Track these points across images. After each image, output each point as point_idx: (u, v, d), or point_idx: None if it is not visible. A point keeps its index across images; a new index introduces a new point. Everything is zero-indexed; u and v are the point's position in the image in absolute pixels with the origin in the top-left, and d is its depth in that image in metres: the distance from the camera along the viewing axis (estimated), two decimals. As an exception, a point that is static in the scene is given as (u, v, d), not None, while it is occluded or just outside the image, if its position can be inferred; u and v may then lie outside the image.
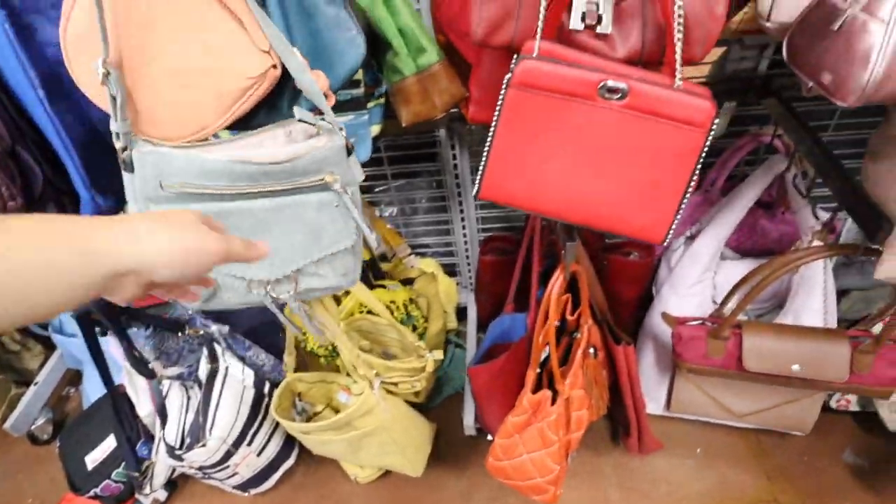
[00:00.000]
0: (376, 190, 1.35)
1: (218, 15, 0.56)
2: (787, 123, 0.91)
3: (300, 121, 0.62)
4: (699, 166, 0.60)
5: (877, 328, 0.89)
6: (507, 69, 0.59)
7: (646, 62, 0.64)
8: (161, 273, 0.39)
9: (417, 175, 1.31)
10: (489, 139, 0.63)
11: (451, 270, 1.46)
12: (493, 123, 0.62)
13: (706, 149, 0.58)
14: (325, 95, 0.62)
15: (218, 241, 0.42)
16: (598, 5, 0.61)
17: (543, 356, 0.94)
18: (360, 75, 0.80)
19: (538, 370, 0.94)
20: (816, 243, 0.87)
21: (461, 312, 1.45)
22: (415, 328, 1.20)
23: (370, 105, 0.81)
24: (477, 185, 0.66)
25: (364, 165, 0.69)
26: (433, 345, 1.22)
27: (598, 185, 0.63)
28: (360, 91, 0.80)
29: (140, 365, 1.05)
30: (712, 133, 0.55)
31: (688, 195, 0.62)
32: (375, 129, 0.81)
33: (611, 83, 0.54)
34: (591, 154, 0.61)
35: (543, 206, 0.65)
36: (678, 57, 0.55)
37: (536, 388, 0.92)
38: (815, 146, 0.83)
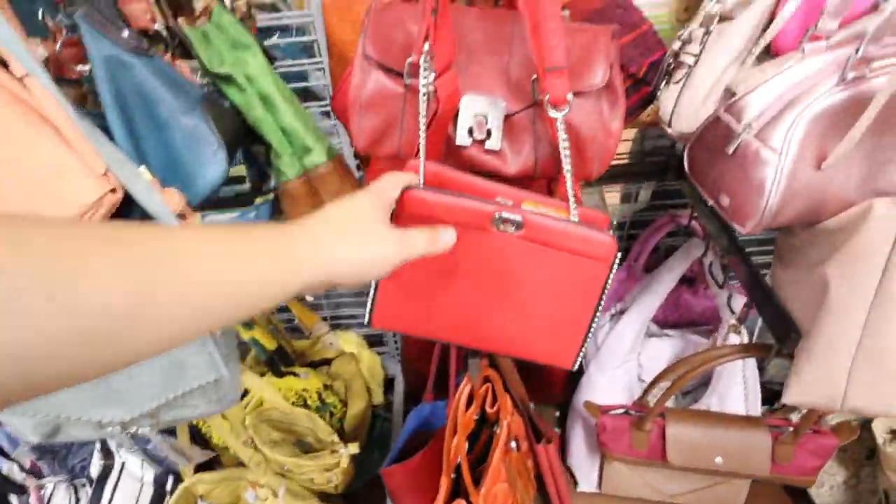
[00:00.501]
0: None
1: (39, 136, 0.48)
2: (701, 208, 0.89)
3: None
4: (605, 295, 0.55)
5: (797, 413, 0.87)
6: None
7: (541, 177, 0.59)
8: (344, 282, 0.39)
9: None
10: None
11: (378, 340, 1.39)
12: None
13: (611, 279, 0.54)
14: (183, 215, 0.54)
15: (399, 246, 0.41)
16: (486, 118, 0.56)
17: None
18: (243, 171, 0.73)
19: (453, 475, 0.87)
20: (732, 337, 0.85)
21: (392, 383, 1.37)
22: (332, 414, 1.11)
23: (258, 201, 0.74)
24: (367, 315, 0.58)
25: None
26: (354, 426, 1.14)
27: (500, 314, 0.57)
28: (246, 187, 0.73)
29: (7, 484, 0.92)
30: (615, 267, 0.51)
31: (595, 322, 0.58)
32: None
33: (504, 215, 0.49)
34: (491, 283, 0.55)
35: (444, 335, 0.59)
36: (569, 185, 0.50)
37: (452, 496, 0.85)
38: (724, 235, 0.81)
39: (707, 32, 0.60)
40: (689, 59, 0.61)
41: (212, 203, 0.75)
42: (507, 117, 0.56)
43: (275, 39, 0.91)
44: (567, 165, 0.49)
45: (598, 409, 0.95)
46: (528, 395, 0.94)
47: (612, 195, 1.25)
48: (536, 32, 0.50)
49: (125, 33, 0.52)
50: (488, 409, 0.91)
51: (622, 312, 1.06)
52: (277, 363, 1.04)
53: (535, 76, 0.54)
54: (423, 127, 0.50)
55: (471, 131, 0.55)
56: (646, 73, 0.67)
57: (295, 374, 1.06)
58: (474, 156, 0.57)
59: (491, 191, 0.52)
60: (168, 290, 0.28)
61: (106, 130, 0.52)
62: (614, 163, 1.08)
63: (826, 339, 0.57)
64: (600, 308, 0.56)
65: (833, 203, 0.56)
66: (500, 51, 0.55)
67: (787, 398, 0.61)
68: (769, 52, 0.58)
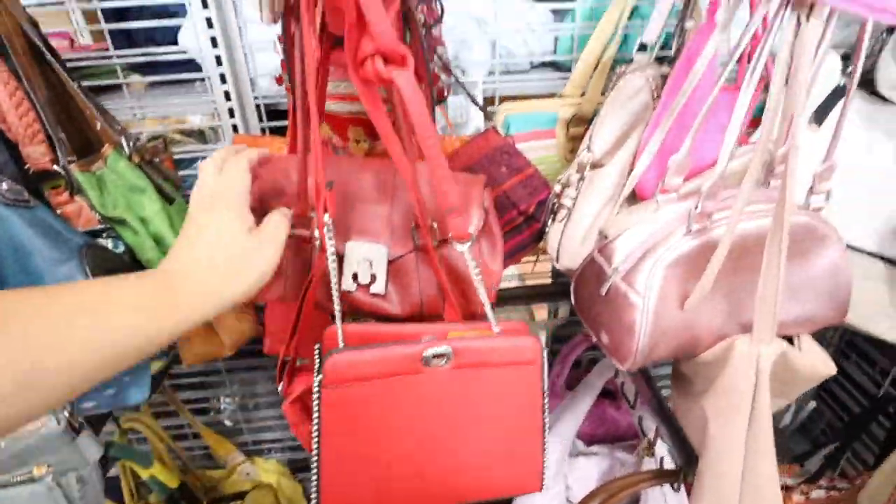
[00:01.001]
0: (210, 382, 1.21)
1: None
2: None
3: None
4: (546, 401, 0.56)
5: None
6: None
7: (428, 317, 0.60)
8: (239, 300, 0.43)
9: (258, 368, 1.19)
10: (314, 452, 0.51)
11: (303, 466, 1.31)
12: (315, 434, 0.50)
13: (546, 381, 0.55)
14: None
15: (275, 254, 0.45)
16: (371, 263, 0.57)
17: None
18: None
19: None
20: (646, 460, 0.85)
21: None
22: (242, 558, 1.01)
23: (154, 337, 0.71)
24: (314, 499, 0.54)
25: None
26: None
27: (453, 458, 0.54)
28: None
29: None
30: (545, 367, 0.53)
31: (547, 433, 0.57)
32: (157, 365, 0.71)
33: (433, 350, 0.49)
34: (435, 427, 0.53)
35: (400, 502, 0.56)
36: (487, 307, 0.51)
37: None
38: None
39: (581, 178, 0.66)
40: (568, 202, 0.66)
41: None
42: (391, 262, 0.57)
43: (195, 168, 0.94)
44: (481, 289, 0.51)
45: (524, 544, 0.91)
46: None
47: (542, 310, 1.28)
48: (415, 185, 0.53)
49: (3, 186, 0.52)
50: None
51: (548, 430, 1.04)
52: (180, 502, 0.95)
53: (414, 224, 0.56)
54: (335, 289, 0.50)
55: (355, 276, 0.56)
56: (535, 210, 0.71)
57: (200, 516, 0.97)
58: (360, 299, 0.57)
59: (415, 333, 0.52)
60: (55, 359, 0.32)
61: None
62: (537, 282, 1.12)
63: (713, 473, 0.57)
64: (546, 415, 0.56)
65: (706, 338, 0.58)
66: (382, 199, 0.57)
67: (688, 533, 0.60)
68: (636, 197, 0.63)
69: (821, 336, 1.25)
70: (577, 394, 1.02)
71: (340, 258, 0.57)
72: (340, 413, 0.50)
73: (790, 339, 0.61)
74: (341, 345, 0.50)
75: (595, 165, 0.65)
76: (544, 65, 0.95)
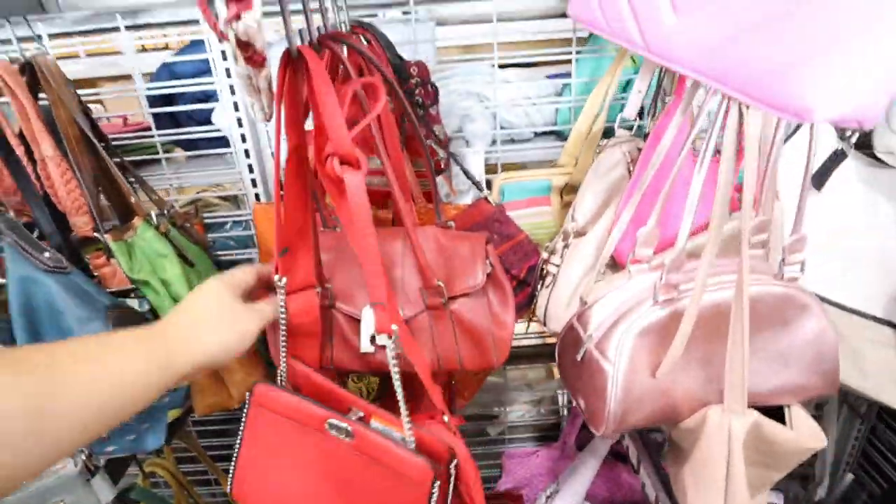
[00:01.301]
0: (231, 430, 1.26)
1: None
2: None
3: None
4: None
5: None
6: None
7: (445, 372, 0.64)
8: (217, 360, 0.48)
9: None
10: (238, 443, 0.59)
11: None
12: (240, 431, 0.59)
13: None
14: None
15: (253, 316, 0.51)
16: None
17: None
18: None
19: None
20: (650, 530, 0.82)
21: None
22: None
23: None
24: (229, 484, 0.60)
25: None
26: None
27: None
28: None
29: None
30: (434, 494, 0.50)
31: None
32: (173, 414, 0.77)
33: (335, 422, 0.53)
34: (329, 481, 0.56)
35: None
36: (403, 413, 0.53)
37: None
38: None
39: (566, 246, 0.69)
40: (553, 269, 0.69)
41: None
42: (406, 322, 0.61)
43: (226, 230, 1.03)
44: (400, 392, 0.53)
45: None
46: None
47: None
48: (420, 249, 0.59)
49: (45, 255, 0.61)
50: None
51: (555, 495, 1.03)
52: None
53: (420, 286, 0.61)
54: (282, 340, 0.56)
55: (373, 339, 0.60)
56: (526, 275, 0.75)
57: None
58: (380, 359, 0.62)
59: (347, 400, 0.56)
60: (62, 403, 0.36)
61: (8, 334, 0.59)
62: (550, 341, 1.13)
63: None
64: None
65: (685, 405, 0.59)
66: (393, 264, 0.62)
67: None
68: (616, 265, 0.66)
69: (856, 403, 1.19)
70: (581, 457, 1.01)
71: (357, 322, 0.61)
72: (258, 429, 0.57)
73: (780, 409, 0.60)
74: (280, 379, 0.58)
75: (578, 234, 0.68)
76: (547, 133, 1.00)
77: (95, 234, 0.74)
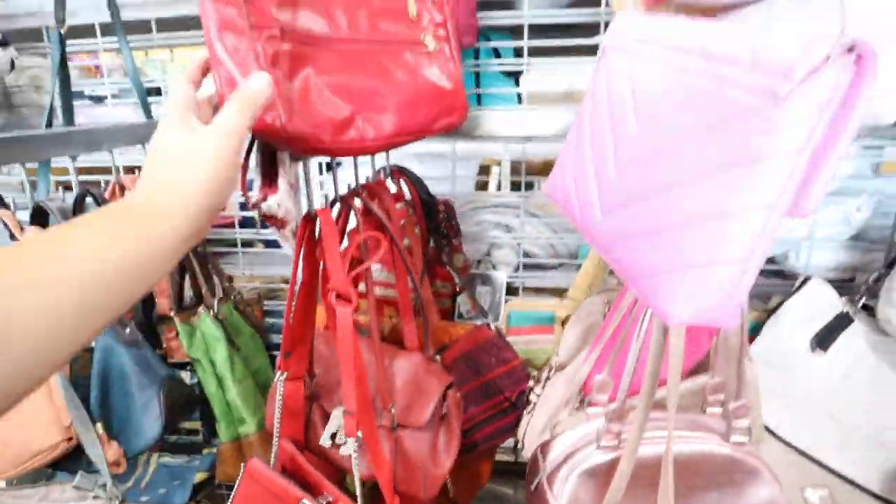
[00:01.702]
0: None
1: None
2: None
3: (75, 487, 0.71)
4: None
5: None
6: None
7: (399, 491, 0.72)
8: (217, 199, 0.39)
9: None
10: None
11: None
12: (232, 496, 0.68)
13: None
14: (117, 463, 0.72)
15: (225, 136, 0.39)
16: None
17: None
18: (198, 426, 0.92)
19: None
20: None
21: None
22: None
23: (205, 451, 0.91)
24: None
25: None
26: None
27: None
28: (199, 438, 0.91)
29: None
30: None
31: None
32: (200, 476, 0.89)
33: (306, 502, 0.62)
34: None
35: None
36: None
37: None
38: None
39: (548, 378, 0.76)
40: (534, 398, 0.76)
41: (169, 446, 0.93)
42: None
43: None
44: (359, 489, 0.62)
45: None
46: None
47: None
48: (384, 372, 0.69)
49: (127, 330, 0.78)
50: None
51: None
52: None
53: (381, 404, 0.71)
54: (276, 422, 0.67)
55: (333, 436, 0.71)
56: (517, 399, 0.82)
57: None
58: (333, 456, 0.71)
59: (322, 486, 0.65)
60: (30, 301, 0.28)
61: (87, 389, 0.75)
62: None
63: None
64: None
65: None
66: (372, 377, 0.73)
67: None
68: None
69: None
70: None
71: (327, 417, 0.72)
72: (249, 496, 0.66)
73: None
74: (273, 457, 0.68)
75: (559, 368, 0.76)
76: (570, 263, 1.09)
77: (171, 314, 0.92)
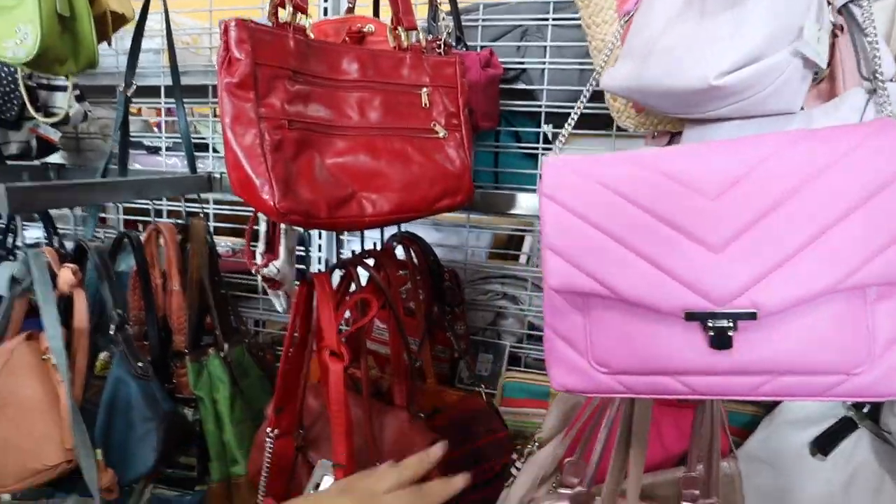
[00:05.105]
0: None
1: (48, 407, 0.75)
2: None
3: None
4: None
5: None
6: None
7: None
8: None
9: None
10: None
11: None
12: None
13: None
14: (110, 490, 0.76)
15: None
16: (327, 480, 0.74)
17: None
18: (193, 461, 0.95)
19: None
20: None
21: None
22: None
23: (197, 488, 0.94)
24: None
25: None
26: None
27: None
28: (193, 473, 0.94)
29: None
30: None
31: None
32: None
33: None
34: None
35: None
36: None
37: None
38: None
39: (531, 453, 0.77)
40: (515, 472, 0.76)
41: (163, 479, 0.97)
42: None
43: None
44: None
45: None
46: None
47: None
48: (370, 430, 0.72)
49: (139, 364, 0.84)
50: None
51: None
52: None
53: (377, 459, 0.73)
54: (262, 479, 0.70)
55: (316, 486, 0.73)
56: (500, 469, 0.82)
57: None
58: None
59: None
60: None
61: (94, 416, 0.80)
62: None
63: None
64: None
65: None
66: (360, 434, 0.76)
67: None
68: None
69: None
70: None
71: (312, 467, 0.75)
72: None
73: None
74: None
75: (541, 444, 0.76)
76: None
77: (185, 351, 0.98)
